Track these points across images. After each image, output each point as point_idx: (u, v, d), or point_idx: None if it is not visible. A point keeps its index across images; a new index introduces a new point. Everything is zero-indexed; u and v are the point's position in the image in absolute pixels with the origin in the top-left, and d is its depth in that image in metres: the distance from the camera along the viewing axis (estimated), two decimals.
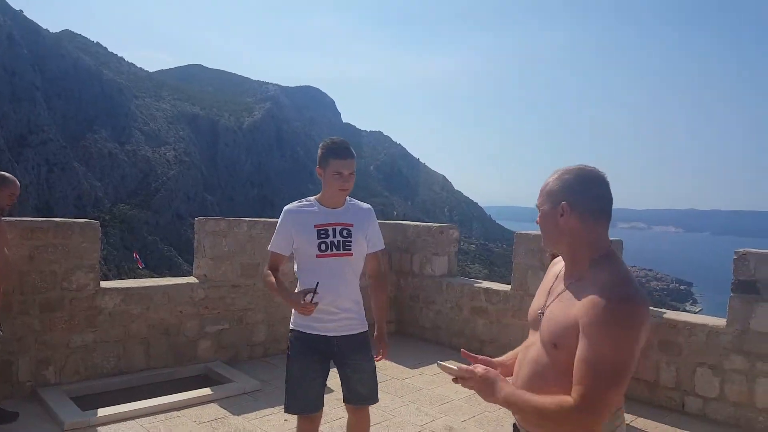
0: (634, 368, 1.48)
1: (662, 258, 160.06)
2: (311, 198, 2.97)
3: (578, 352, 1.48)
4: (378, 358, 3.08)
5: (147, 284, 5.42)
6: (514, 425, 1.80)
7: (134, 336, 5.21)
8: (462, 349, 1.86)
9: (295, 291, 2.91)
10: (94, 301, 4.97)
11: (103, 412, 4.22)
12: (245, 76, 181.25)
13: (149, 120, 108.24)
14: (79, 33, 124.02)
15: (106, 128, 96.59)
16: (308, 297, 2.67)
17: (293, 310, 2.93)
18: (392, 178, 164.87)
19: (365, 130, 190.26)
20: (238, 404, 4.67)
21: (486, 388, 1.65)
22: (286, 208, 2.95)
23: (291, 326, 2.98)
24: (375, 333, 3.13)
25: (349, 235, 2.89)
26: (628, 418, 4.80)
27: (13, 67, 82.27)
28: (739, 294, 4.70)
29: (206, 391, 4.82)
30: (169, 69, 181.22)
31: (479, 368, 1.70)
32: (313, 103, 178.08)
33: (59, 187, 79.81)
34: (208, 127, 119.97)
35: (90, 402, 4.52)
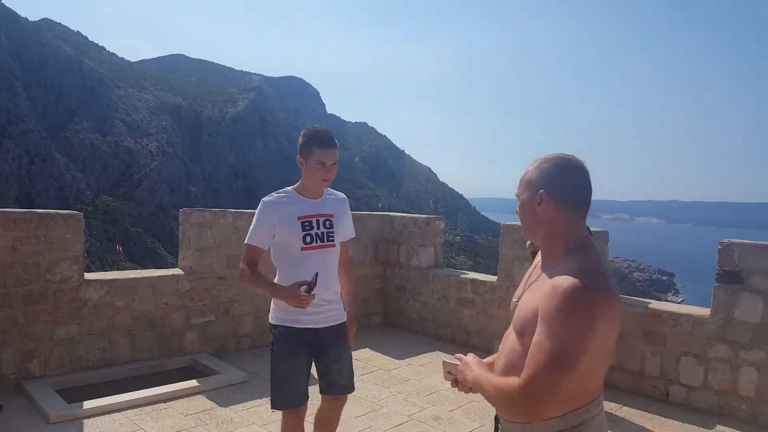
0: (587, 355, 1.46)
1: (645, 249, 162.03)
2: (289, 189, 2.88)
3: (533, 337, 1.50)
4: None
5: (132, 276, 5.36)
6: (496, 416, 1.81)
7: (119, 328, 5.16)
8: (457, 354, 1.86)
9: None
10: (78, 293, 4.90)
11: (89, 404, 4.18)
12: (228, 66, 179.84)
13: (131, 110, 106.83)
14: (58, 21, 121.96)
15: (87, 119, 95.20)
16: (302, 289, 2.61)
17: (273, 304, 2.88)
18: (377, 169, 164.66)
19: (350, 122, 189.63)
20: (225, 396, 4.65)
21: (464, 369, 1.72)
22: (265, 199, 2.83)
23: (274, 321, 2.87)
24: (347, 314, 3.16)
25: (332, 226, 2.88)
26: (613, 407, 4.86)
27: None
28: (724, 284, 4.76)
29: (193, 383, 4.79)
30: (151, 59, 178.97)
31: (469, 356, 1.78)
32: (297, 93, 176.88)
33: (40, 178, 78.61)
34: (191, 118, 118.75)
35: (75, 394, 4.47)
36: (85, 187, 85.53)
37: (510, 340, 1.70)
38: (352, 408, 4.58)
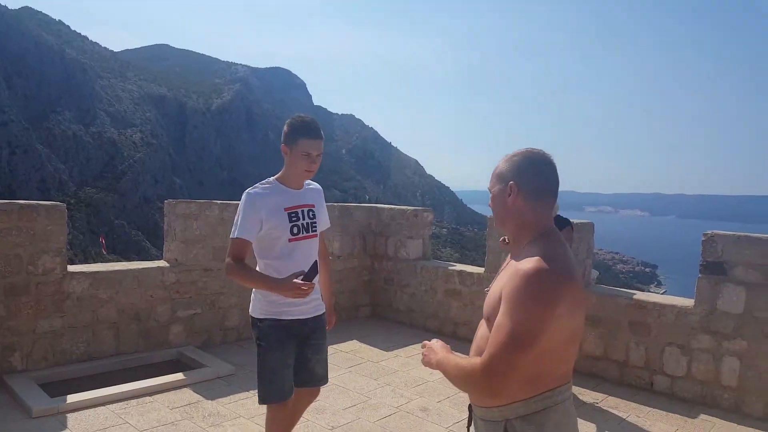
0: (548, 337, 1.51)
1: (628, 241, 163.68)
2: (271, 179, 2.82)
3: (496, 319, 1.56)
4: (327, 328, 3.14)
5: (116, 268, 5.30)
6: (470, 405, 1.84)
7: (103, 321, 5.10)
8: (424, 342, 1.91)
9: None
10: (62, 286, 4.83)
11: (72, 398, 4.13)
12: (213, 56, 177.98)
13: (114, 101, 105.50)
14: (39, 10, 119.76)
15: (70, 109, 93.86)
16: (300, 279, 2.58)
17: (256, 298, 2.83)
18: (364, 161, 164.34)
19: (337, 113, 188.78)
20: (211, 389, 4.62)
21: (429, 353, 1.80)
22: (250, 191, 2.75)
23: (259, 315, 2.81)
24: (326, 306, 3.16)
25: (314, 216, 2.87)
26: (599, 397, 4.90)
27: None
28: (707, 275, 4.82)
29: (179, 376, 4.76)
30: (135, 49, 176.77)
31: (433, 341, 1.84)
32: (283, 84, 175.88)
33: (22, 170, 77.44)
34: (175, 109, 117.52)
35: (59, 388, 4.41)
36: (67, 178, 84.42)
37: (482, 327, 1.75)
38: (340, 400, 4.58)
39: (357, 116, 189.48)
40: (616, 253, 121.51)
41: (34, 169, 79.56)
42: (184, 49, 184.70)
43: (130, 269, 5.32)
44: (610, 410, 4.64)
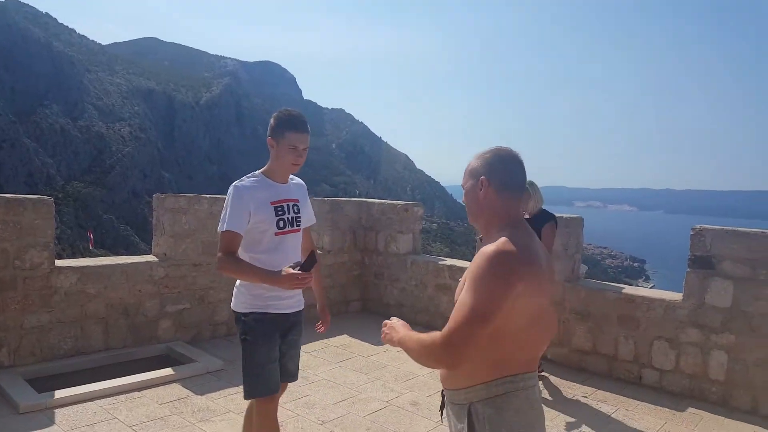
0: (508, 317, 1.61)
1: (617, 236, 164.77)
2: (257, 173, 2.80)
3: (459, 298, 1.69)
4: (322, 328, 3.15)
5: (104, 263, 5.26)
6: (442, 391, 1.90)
7: (92, 316, 5.06)
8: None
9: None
10: (49, 281, 4.78)
11: (60, 393, 4.10)
12: (203, 50, 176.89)
13: (103, 95, 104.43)
14: (26, 3, 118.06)
15: (57, 103, 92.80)
16: (297, 269, 2.57)
17: (240, 292, 2.79)
18: (354, 156, 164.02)
19: (327, 108, 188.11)
20: (201, 384, 4.60)
21: (390, 332, 1.91)
22: (238, 184, 2.73)
23: (244, 309, 2.77)
24: (319, 304, 3.17)
25: (299, 211, 2.86)
26: (588, 391, 4.93)
27: None
28: (695, 269, 4.85)
29: (168, 371, 4.73)
30: (123, 42, 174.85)
31: (393, 320, 1.96)
32: (273, 78, 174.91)
33: (9, 164, 76.52)
34: (164, 103, 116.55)
35: (47, 384, 4.37)
36: (55, 173, 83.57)
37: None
38: (330, 394, 4.58)
39: (347, 111, 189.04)
40: (605, 247, 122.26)
41: (22, 164, 78.71)
42: (173, 43, 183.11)
43: (119, 264, 5.28)
44: (599, 404, 4.67)
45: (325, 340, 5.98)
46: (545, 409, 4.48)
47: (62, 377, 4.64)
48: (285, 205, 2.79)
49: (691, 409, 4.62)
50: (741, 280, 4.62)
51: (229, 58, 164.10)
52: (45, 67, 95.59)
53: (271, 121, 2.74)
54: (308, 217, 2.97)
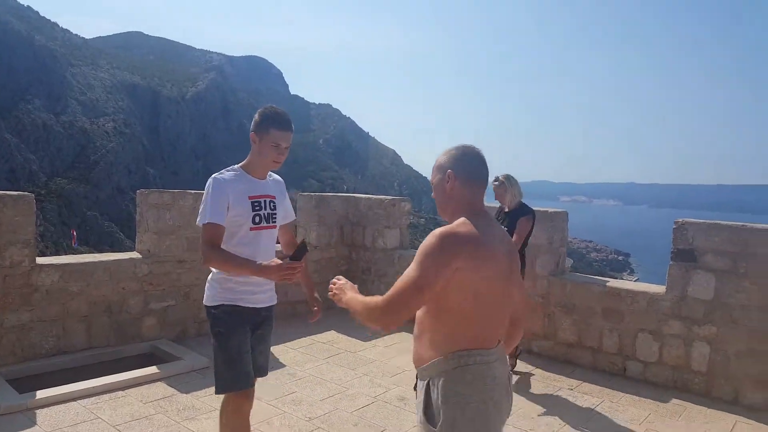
0: (440, 285, 1.78)
1: (602, 230, 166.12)
2: (236, 167, 2.79)
3: None
4: (315, 318, 3.10)
5: (86, 260, 5.19)
6: (417, 374, 2.00)
7: (74, 314, 5.00)
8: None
9: (215, 270, 2.74)
10: (30, 278, 4.71)
11: (42, 394, 4.04)
12: (188, 44, 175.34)
13: (86, 89, 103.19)
14: None
15: (39, 98, 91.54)
16: (286, 260, 2.54)
17: (212, 286, 2.75)
18: (342, 151, 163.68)
19: (314, 103, 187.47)
20: (186, 382, 4.56)
21: (339, 293, 2.08)
22: (217, 177, 2.69)
23: (214, 302, 2.75)
24: (308, 294, 3.13)
25: (275, 207, 2.84)
26: (573, 383, 4.97)
27: None
28: (678, 262, 4.89)
29: (152, 369, 4.69)
30: (107, 36, 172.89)
31: (342, 280, 2.13)
32: (259, 73, 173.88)
33: None
34: (149, 98, 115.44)
35: (28, 384, 4.31)
36: (37, 169, 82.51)
37: None
38: (317, 391, 4.57)
39: (334, 106, 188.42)
40: (590, 241, 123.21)
41: (3, 160, 77.61)
42: (158, 37, 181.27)
43: (101, 261, 5.21)
44: (584, 396, 4.70)
45: (312, 337, 5.97)
46: (530, 402, 4.52)
47: (44, 377, 4.58)
48: (262, 200, 2.78)
49: (674, 400, 4.67)
50: (722, 273, 4.67)
51: (215, 52, 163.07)
52: (27, 61, 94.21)
53: (256, 116, 2.72)
54: (286, 213, 2.95)
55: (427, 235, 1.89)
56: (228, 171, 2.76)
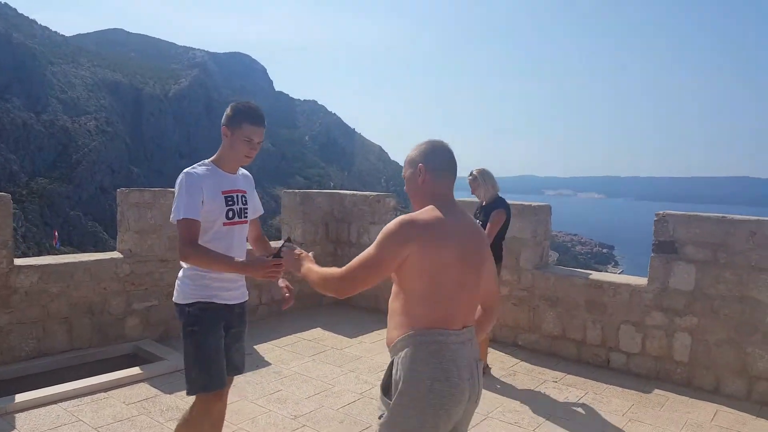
0: (393, 266, 1.94)
1: (586, 223, 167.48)
2: (207, 161, 2.75)
3: None
4: (288, 305, 2.99)
5: (66, 261, 5.12)
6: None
7: (54, 316, 4.93)
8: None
9: (186, 267, 2.70)
10: (8, 280, 4.64)
11: (21, 397, 3.97)
12: (170, 41, 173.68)
13: (67, 88, 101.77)
14: None
15: (19, 96, 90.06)
16: (269, 258, 2.51)
17: (184, 283, 2.71)
18: (328, 148, 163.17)
19: (299, 99, 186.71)
20: (169, 382, 4.52)
21: (296, 263, 2.29)
22: (190, 171, 2.64)
23: (188, 300, 2.68)
24: (281, 282, 3.01)
25: (246, 202, 2.81)
26: (558, 375, 5.00)
27: None
28: (659, 254, 4.94)
29: (135, 370, 4.63)
30: (88, 33, 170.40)
31: (297, 251, 2.36)
32: (243, 70, 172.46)
33: None
34: (131, 96, 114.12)
35: (8, 387, 4.25)
36: (18, 169, 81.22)
37: None
38: (303, 388, 4.55)
39: (320, 102, 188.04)
40: (575, 234, 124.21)
41: None
42: (140, 34, 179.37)
43: (82, 261, 5.14)
44: (569, 388, 4.73)
45: (297, 334, 5.95)
46: (514, 394, 4.54)
47: (24, 380, 4.51)
48: (234, 195, 2.75)
49: (657, 391, 4.72)
50: (703, 264, 4.72)
51: (198, 49, 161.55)
52: (5, 59, 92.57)
53: (228, 110, 2.69)
54: (255, 208, 2.93)
55: None
56: (200, 166, 2.72)
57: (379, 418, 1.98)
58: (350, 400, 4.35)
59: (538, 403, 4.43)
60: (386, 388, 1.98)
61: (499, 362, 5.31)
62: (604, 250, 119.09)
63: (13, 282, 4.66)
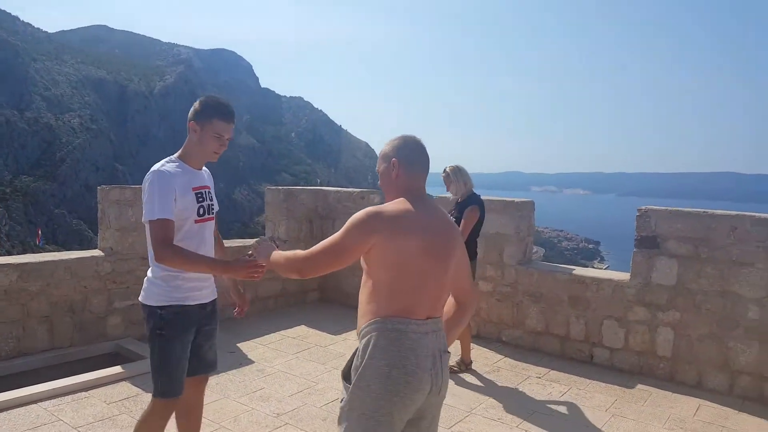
0: (356, 255, 2.04)
1: (572, 219, 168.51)
2: (174, 157, 2.68)
3: None
4: (241, 312, 3.06)
5: (46, 259, 5.05)
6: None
7: (34, 315, 4.86)
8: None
9: (158, 267, 2.62)
10: None
11: (0, 397, 3.92)
12: (155, 38, 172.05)
13: (51, 85, 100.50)
14: None
15: (2, 94, 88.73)
16: (248, 256, 2.48)
17: (155, 284, 2.63)
18: (314, 145, 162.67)
19: (285, 96, 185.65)
20: (151, 381, 4.46)
21: (263, 252, 2.33)
22: (162, 169, 2.56)
23: (160, 303, 2.61)
24: (231, 288, 3.07)
25: (212, 198, 2.78)
26: (541, 371, 5.02)
27: None
28: (641, 249, 4.97)
29: (117, 369, 4.58)
30: (71, 30, 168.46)
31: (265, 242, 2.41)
32: (228, 66, 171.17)
33: None
34: (116, 93, 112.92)
35: None
36: (2, 166, 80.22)
37: None
38: (286, 386, 4.53)
39: (306, 99, 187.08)
40: (561, 230, 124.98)
41: None
42: (124, 30, 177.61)
43: (62, 260, 5.08)
44: (552, 384, 4.75)
45: (281, 332, 5.92)
46: (498, 390, 4.55)
47: (4, 380, 4.45)
48: (203, 191, 2.71)
49: (640, 386, 4.75)
50: (685, 259, 4.76)
51: (182, 45, 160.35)
52: None
53: (197, 105, 2.63)
54: (215, 204, 2.90)
55: None
56: (169, 163, 2.64)
57: (341, 401, 2.04)
58: (333, 398, 4.33)
59: (522, 399, 4.44)
60: (347, 373, 2.04)
61: (483, 358, 5.32)
62: (591, 246, 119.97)
63: None
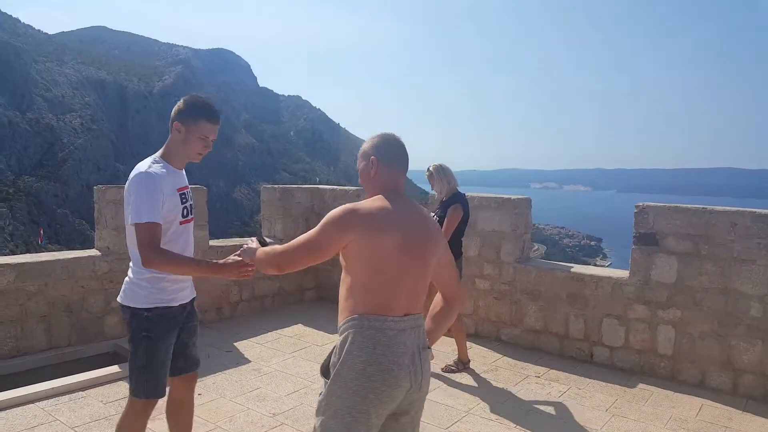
0: (331, 251, 2.04)
1: (573, 216, 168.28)
2: (158, 158, 2.63)
3: None
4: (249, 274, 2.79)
5: (44, 259, 5.03)
6: None
7: (32, 315, 4.85)
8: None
9: (142, 269, 2.57)
10: None
11: None
12: (153, 38, 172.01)
13: (52, 86, 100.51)
14: None
15: (4, 95, 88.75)
16: (238, 253, 2.47)
17: (139, 285, 2.60)
18: (313, 143, 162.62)
19: (283, 95, 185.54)
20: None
21: (248, 252, 2.36)
22: (149, 171, 2.50)
23: (147, 305, 2.58)
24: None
25: (191, 198, 2.76)
26: (540, 371, 4.98)
27: None
28: (640, 246, 4.93)
29: (114, 368, 4.57)
30: (71, 31, 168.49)
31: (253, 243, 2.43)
32: (227, 66, 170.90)
33: None
34: (116, 93, 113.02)
35: None
36: (5, 167, 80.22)
37: None
38: (282, 386, 4.50)
39: (304, 97, 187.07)
40: (562, 227, 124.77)
41: None
42: (123, 31, 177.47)
43: (59, 260, 5.06)
44: (552, 383, 4.72)
45: (278, 331, 5.90)
46: (496, 390, 4.52)
47: (2, 379, 4.43)
48: (186, 192, 2.69)
49: (641, 385, 4.69)
50: (684, 256, 4.71)
51: (181, 45, 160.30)
52: None
53: (181, 104, 2.59)
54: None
55: None
56: (155, 164, 2.59)
57: (319, 395, 2.06)
58: None
59: (521, 398, 4.41)
60: (326, 369, 2.05)
61: (481, 357, 5.30)
62: (592, 243, 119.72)
63: None
